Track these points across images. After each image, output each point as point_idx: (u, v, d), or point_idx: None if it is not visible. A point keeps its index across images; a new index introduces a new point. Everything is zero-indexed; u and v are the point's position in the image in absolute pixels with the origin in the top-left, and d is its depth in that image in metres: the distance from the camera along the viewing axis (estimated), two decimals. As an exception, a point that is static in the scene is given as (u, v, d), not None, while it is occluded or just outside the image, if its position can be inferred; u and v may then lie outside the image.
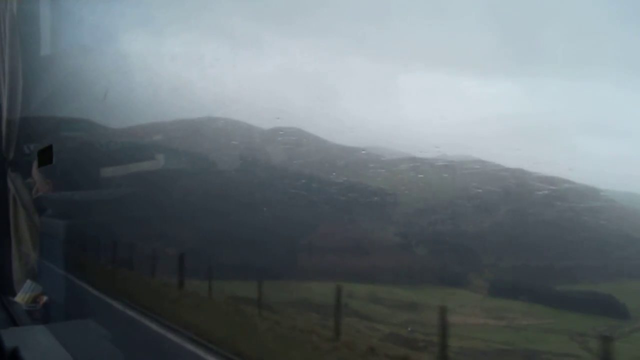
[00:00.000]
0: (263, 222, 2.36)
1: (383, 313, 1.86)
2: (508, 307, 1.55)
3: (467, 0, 1.67)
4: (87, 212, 4.33)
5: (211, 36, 2.54)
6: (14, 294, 4.57)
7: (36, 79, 4.60)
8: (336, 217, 2.09)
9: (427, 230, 1.80)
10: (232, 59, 2.39)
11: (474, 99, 1.63)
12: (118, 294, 3.59)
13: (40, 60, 4.59)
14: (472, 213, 1.67)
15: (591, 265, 1.44)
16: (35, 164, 4.57)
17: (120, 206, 3.79)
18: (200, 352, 2.61)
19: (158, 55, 2.88)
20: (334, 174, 2.03)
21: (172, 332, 2.90)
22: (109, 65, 3.35)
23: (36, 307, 4.40)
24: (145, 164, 3.36)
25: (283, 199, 2.23)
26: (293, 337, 2.17)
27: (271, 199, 2.31)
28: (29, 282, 4.61)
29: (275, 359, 2.26)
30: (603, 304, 1.37)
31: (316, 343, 2.04)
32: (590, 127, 1.46)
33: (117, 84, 3.28)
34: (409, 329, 1.75)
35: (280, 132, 2.16)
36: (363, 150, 1.95)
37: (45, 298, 4.46)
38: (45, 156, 4.17)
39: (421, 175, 1.71)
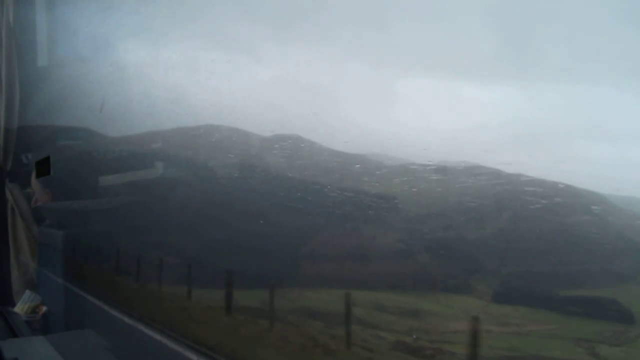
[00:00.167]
0: (263, 230, 2.35)
1: (388, 320, 1.84)
2: (511, 313, 1.54)
3: (465, 5, 1.67)
4: (85, 221, 4.32)
5: (209, 44, 2.53)
6: (13, 305, 4.56)
7: (33, 88, 4.60)
8: (338, 224, 2.08)
9: (429, 236, 1.79)
10: (229, 66, 2.38)
11: (477, 104, 1.63)
12: (118, 303, 3.57)
13: (38, 69, 4.59)
14: (474, 219, 1.66)
15: (594, 269, 1.43)
16: (33, 174, 4.57)
17: (119, 215, 3.77)
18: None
19: (155, 64, 2.87)
20: (334, 179, 2.02)
21: (173, 341, 2.88)
22: (106, 74, 3.34)
23: (35, 318, 4.39)
24: (144, 172, 3.35)
25: (283, 207, 2.23)
26: (296, 346, 2.16)
27: (271, 206, 2.30)
28: (28, 292, 4.59)
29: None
30: (608, 309, 1.36)
31: (323, 352, 2.02)
32: (591, 131, 1.46)
33: (115, 93, 3.27)
34: (414, 336, 1.74)
35: (280, 140, 2.15)
36: (363, 157, 1.95)
37: (44, 308, 4.45)
38: (43, 167, 4.17)
39: (423, 181, 1.70)
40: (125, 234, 3.59)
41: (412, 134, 1.75)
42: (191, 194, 2.84)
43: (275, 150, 2.24)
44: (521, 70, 1.57)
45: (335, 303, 2.13)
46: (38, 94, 4.65)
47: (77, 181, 4.30)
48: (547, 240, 1.50)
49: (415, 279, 1.87)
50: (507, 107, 1.59)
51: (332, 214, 2.02)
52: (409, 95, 1.84)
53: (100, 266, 4.18)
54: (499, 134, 1.59)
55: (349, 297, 1.97)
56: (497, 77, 1.62)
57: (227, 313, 2.64)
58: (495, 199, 1.60)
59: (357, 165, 1.97)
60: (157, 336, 2.92)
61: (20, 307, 4.47)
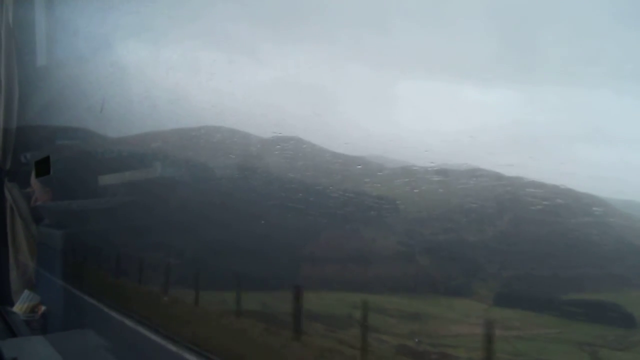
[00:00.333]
0: (263, 231, 2.35)
1: (389, 324, 1.84)
2: (513, 317, 1.54)
3: (466, 8, 1.67)
4: (85, 221, 4.32)
5: (210, 45, 2.53)
6: (12, 304, 4.57)
7: (33, 88, 4.59)
8: (337, 227, 2.08)
9: (430, 239, 1.79)
10: (231, 67, 2.38)
11: (478, 106, 1.63)
12: (117, 303, 3.57)
13: (37, 69, 4.59)
14: (475, 222, 1.66)
15: (595, 272, 1.43)
16: (33, 173, 4.57)
17: (119, 215, 3.77)
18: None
19: (155, 64, 2.87)
20: (335, 181, 2.02)
21: (171, 342, 2.88)
22: (106, 74, 3.34)
23: (34, 317, 4.40)
24: (144, 173, 3.34)
25: (283, 208, 2.22)
26: (297, 348, 2.16)
27: (271, 207, 2.30)
28: (27, 292, 4.60)
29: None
30: (610, 313, 1.36)
31: (322, 354, 2.02)
32: (592, 134, 1.46)
33: (115, 93, 3.27)
34: (417, 339, 1.74)
35: (281, 141, 2.15)
36: (364, 159, 1.95)
37: (43, 308, 4.45)
38: (43, 166, 4.17)
39: (424, 183, 1.70)
40: (124, 235, 3.59)
41: (414, 136, 1.76)
42: (191, 194, 2.84)
43: (276, 151, 2.24)
44: (522, 73, 1.57)
45: (335, 305, 2.13)
46: (37, 93, 4.64)
47: (76, 181, 4.29)
48: (548, 242, 1.50)
49: (416, 281, 1.87)
50: (508, 109, 1.59)
51: (334, 215, 2.02)
52: (410, 97, 1.84)
53: (100, 266, 4.18)
54: (500, 136, 1.59)
55: (352, 300, 1.98)
56: (498, 80, 1.62)
57: (227, 314, 2.64)
58: (497, 200, 1.60)
59: (359, 167, 1.97)
60: (157, 336, 2.92)
61: (19, 307, 4.48)
